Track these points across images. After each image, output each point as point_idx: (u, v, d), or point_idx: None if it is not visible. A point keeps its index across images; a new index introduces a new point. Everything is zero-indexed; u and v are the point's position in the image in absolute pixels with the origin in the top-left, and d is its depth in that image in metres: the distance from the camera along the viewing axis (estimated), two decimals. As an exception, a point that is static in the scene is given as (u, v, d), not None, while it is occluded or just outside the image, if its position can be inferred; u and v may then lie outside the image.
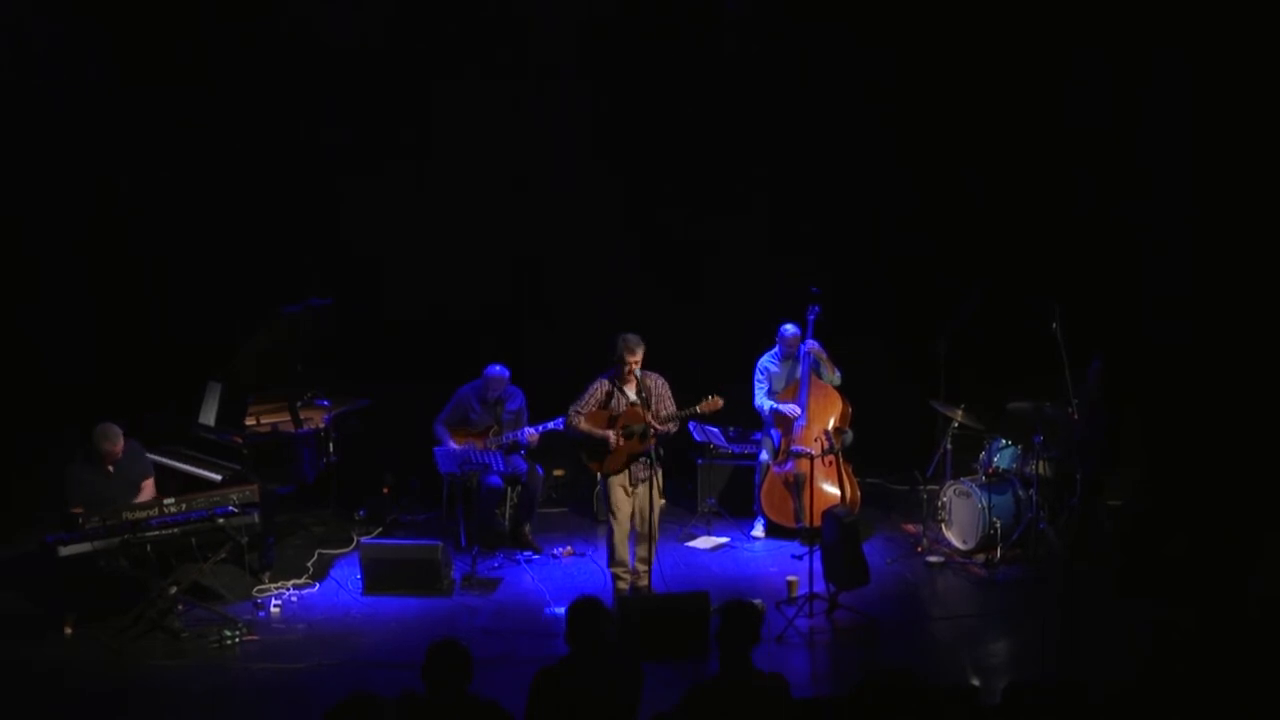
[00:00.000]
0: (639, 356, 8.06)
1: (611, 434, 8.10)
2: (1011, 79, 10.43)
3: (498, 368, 9.25)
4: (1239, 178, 9.85)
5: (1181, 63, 10.02)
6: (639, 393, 8.10)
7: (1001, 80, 10.45)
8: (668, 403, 8.20)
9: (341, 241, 10.65)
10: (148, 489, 8.22)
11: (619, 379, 8.16)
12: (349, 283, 10.26)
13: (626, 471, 8.17)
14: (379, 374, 10.21)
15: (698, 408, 8.09)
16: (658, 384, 8.20)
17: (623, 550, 8.25)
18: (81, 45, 10.30)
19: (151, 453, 8.48)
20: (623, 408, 8.15)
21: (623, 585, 8.28)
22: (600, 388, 8.19)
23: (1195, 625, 7.28)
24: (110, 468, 8.08)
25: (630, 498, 8.19)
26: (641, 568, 8.28)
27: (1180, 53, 10.00)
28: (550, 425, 9.00)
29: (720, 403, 8.13)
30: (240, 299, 10.00)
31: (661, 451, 8.19)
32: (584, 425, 8.16)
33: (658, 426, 8.05)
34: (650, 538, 8.22)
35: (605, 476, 8.23)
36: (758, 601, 7.88)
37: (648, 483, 8.17)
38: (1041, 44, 10.37)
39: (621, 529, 8.22)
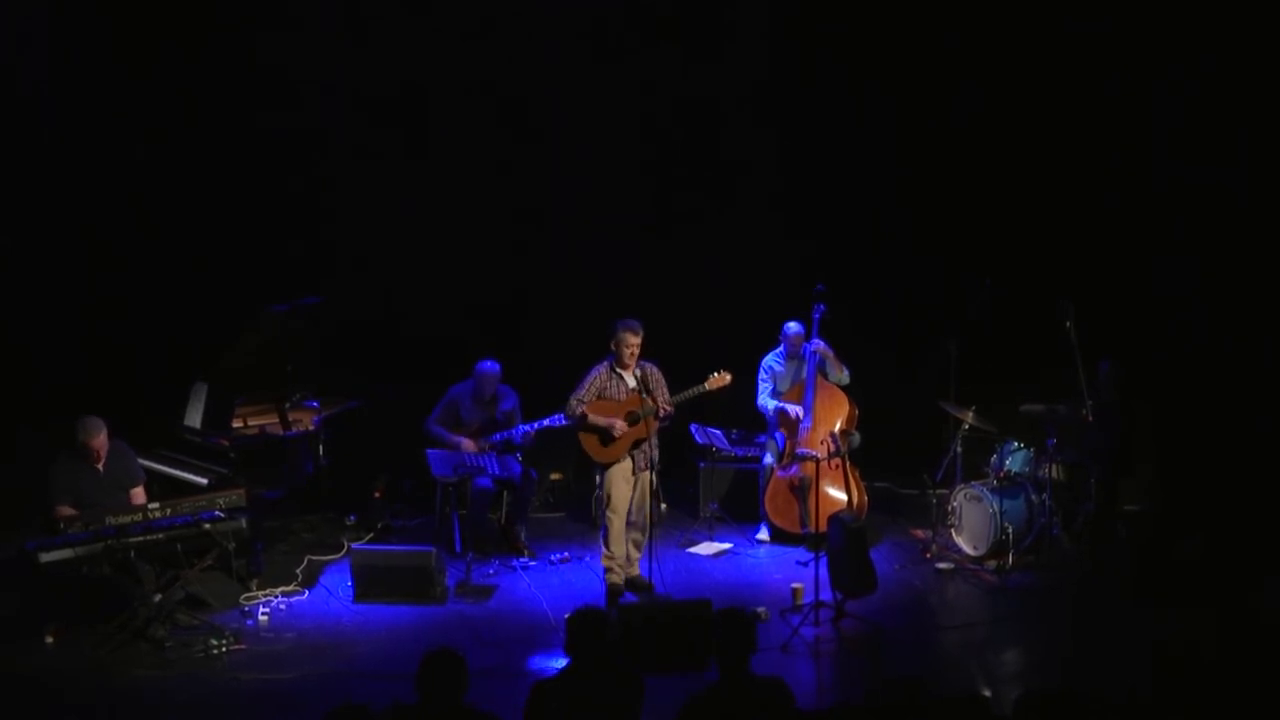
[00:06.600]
0: (640, 339, 8.11)
1: (616, 422, 8.09)
2: (1014, 79, 10.36)
3: (489, 363, 9.17)
4: (1253, 172, 9.78)
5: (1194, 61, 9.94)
6: (637, 379, 8.13)
7: (1008, 80, 10.39)
8: (665, 390, 8.26)
9: (333, 241, 10.62)
10: (138, 497, 8.04)
11: (618, 364, 8.21)
12: (340, 282, 10.22)
13: (630, 460, 8.19)
14: (371, 374, 10.13)
15: (705, 384, 8.17)
16: (653, 371, 8.25)
17: (619, 545, 8.26)
18: (72, 41, 10.25)
19: (137, 456, 8.28)
20: (623, 395, 8.18)
21: (615, 578, 8.26)
22: (599, 375, 8.24)
23: (1210, 630, 7.22)
24: (99, 467, 7.91)
25: (630, 488, 8.22)
26: (634, 554, 8.34)
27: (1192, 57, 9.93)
28: (546, 422, 8.92)
29: (729, 378, 8.20)
30: (230, 298, 9.89)
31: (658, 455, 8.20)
32: (588, 415, 8.15)
33: (666, 407, 8.11)
34: (644, 528, 8.25)
35: (606, 466, 8.21)
36: (761, 609, 7.80)
37: (645, 472, 8.20)
38: (1047, 41, 10.28)
39: (621, 520, 8.24)
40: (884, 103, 10.60)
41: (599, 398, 8.20)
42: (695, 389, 8.16)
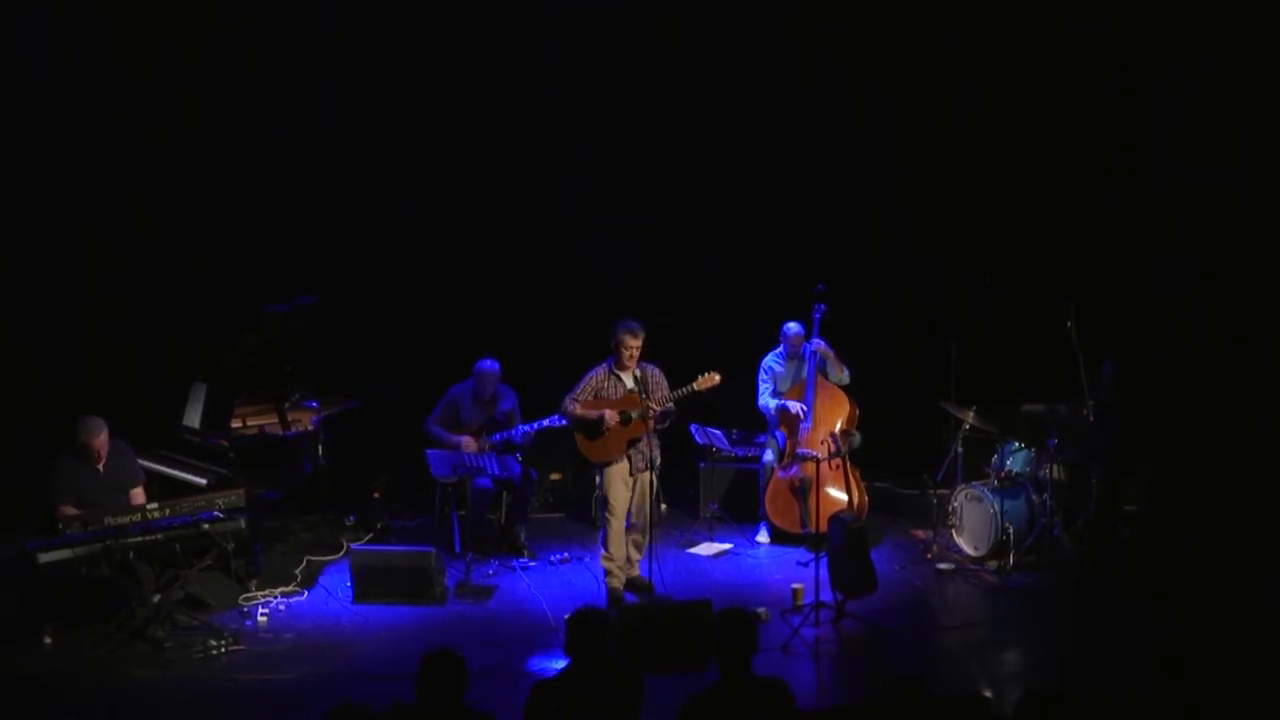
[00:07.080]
0: (640, 341, 8.09)
1: (607, 412, 8.07)
2: (1014, 79, 10.36)
3: (488, 361, 9.16)
4: (1253, 172, 9.76)
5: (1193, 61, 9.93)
6: (636, 380, 8.12)
7: (1008, 80, 10.39)
8: (665, 390, 8.22)
9: (333, 241, 10.61)
10: (137, 497, 8.02)
11: (617, 365, 8.20)
12: (340, 282, 10.22)
13: (627, 462, 8.17)
14: (371, 374, 10.10)
15: (694, 384, 8.11)
16: (654, 373, 8.22)
17: (618, 546, 8.24)
18: (72, 41, 10.25)
19: (136, 456, 8.26)
20: (619, 395, 8.16)
21: (615, 581, 8.24)
22: (597, 375, 8.23)
23: (1210, 630, 7.21)
24: (99, 467, 7.89)
25: (629, 490, 8.20)
26: (635, 555, 8.34)
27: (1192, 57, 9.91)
28: (545, 423, 8.92)
29: (718, 378, 8.12)
30: (230, 298, 9.88)
31: (659, 456, 8.20)
32: (579, 411, 8.13)
33: (656, 407, 8.07)
34: (645, 529, 8.24)
35: (603, 466, 8.20)
36: (761, 610, 7.78)
37: (645, 473, 8.18)
38: (1047, 41, 10.28)
39: (620, 522, 8.22)
40: (884, 103, 10.59)
41: (595, 398, 8.18)
42: (684, 389, 8.12)
